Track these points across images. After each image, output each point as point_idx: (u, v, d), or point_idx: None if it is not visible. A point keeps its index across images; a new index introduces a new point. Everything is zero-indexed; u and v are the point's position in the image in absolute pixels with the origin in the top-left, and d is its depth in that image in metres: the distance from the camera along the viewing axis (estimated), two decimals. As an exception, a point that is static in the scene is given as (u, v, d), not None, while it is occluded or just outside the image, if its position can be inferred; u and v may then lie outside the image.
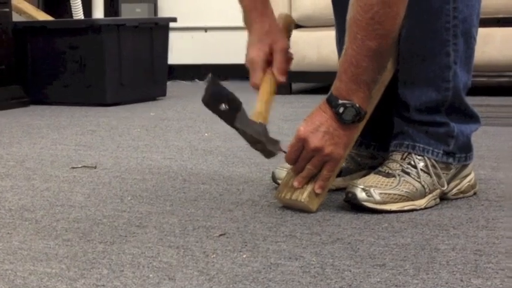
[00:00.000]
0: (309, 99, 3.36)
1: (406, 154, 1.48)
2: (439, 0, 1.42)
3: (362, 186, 1.41)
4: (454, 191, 1.50)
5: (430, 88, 1.46)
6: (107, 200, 1.56)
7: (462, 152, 1.50)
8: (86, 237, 1.29)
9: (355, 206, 1.41)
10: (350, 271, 1.09)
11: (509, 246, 1.19)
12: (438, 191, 1.46)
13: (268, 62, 1.54)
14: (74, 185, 1.71)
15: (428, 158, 1.47)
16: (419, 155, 1.47)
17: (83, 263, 1.15)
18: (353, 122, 1.39)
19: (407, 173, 1.45)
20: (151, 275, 1.08)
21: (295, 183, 1.43)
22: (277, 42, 1.53)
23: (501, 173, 1.74)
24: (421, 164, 1.46)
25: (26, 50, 3.50)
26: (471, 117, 1.52)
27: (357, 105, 1.37)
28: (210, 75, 1.45)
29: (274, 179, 1.61)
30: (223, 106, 1.43)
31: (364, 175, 1.49)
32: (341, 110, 1.37)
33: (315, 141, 1.39)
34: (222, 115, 1.46)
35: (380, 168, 1.48)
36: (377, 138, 1.59)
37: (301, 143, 1.41)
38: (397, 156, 1.48)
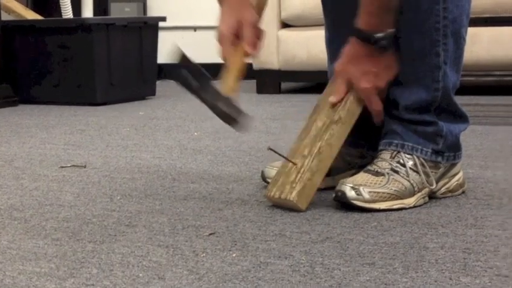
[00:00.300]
0: (298, 99, 3.36)
1: (395, 153, 1.48)
2: (429, 0, 1.42)
3: (351, 185, 1.41)
4: (443, 189, 1.51)
5: (420, 88, 1.47)
6: (96, 200, 1.55)
7: (451, 151, 1.51)
8: (76, 237, 1.28)
9: (344, 205, 1.42)
10: (339, 270, 1.09)
11: (497, 245, 1.20)
12: (427, 189, 1.47)
13: (238, 36, 1.54)
14: (63, 185, 1.70)
15: (418, 157, 1.48)
16: (408, 154, 1.48)
17: (72, 262, 1.15)
18: (391, 46, 1.42)
19: (397, 172, 1.46)
20: (140, 274, 1.08)
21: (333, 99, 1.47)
22: (246, 16, 1.52)
23: (489, 171, 1.75)
24: (410, 163, 1.47)
25: (15, 49, 3.48)
26: (460, 117, 1.53)
27: (392, 30, 1.41)
28: (179, 49, 1.46)
29: (263, 177, 1.62)
30: (193, 81, 1.44)
31: (354, 174, 1.50)
32: (383, 43, 1.41)
33: (369, 85, 1.44)
34: (191, 89, 1.47)
35: (369, 167, 1.48)
36: (366, 137, 1.59)
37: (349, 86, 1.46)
38: (386, 155, 1.49)
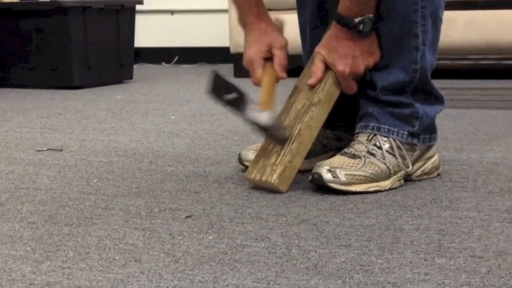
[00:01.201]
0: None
1: (371, 136, 1.49)
2: None
3: (328, 167, 1.42)
4: (418, 172, 1.52)
5: (399, 69, 1.47)
6: (72, 183, 1.55)
7: (426, 133, 1.52)
8: (52, 220, 1.28)
9: (320, 187, 1.42)
10: (316, 252, 1.10)
11: (472, 226, 1.21)
12: (403, 172, 1.48)
13: (266, 60, 1.55)
14: (40, 168, 1.69)
15: (394, 139, 1.48)
16: (384, 137, 1.48)
17: (48, 245, 1.14)
18: (371, 32, 1.43)
19: (373, 154, 1.46)
20: (117, 257, 1.08)
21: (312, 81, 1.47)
22: (276, 40, 1.55)
23: (464, 154, 1.76)
24: (386, 146, 1.48)
25: (-10, 32, 3.45)
26: (436, 99, 1.54)
27: (371, 15, 1.41)
28: (213, 70, 1.46)
29: (240, 160, 1.62)
30: (229, 96, 1.45)
31: (330, 157, 1.50)
32: (361, 27, 1.42)
33: (346, 68, 1.44)
34: (229, 105, 1.47)
35: (346, 150, 1.49)
36: (343, 119, 1.60)
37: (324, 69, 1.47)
38: (363, 137, 1.49)
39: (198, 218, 1.28)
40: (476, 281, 0.97)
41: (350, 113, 1.57)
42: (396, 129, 1.49)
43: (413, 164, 1.50)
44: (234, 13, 3.57)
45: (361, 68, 1.46)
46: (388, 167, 1.45)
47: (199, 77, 3.69)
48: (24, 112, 2.61)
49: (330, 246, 1.12)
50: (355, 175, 1.42)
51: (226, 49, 3.74)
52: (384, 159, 1.46)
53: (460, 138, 1.97)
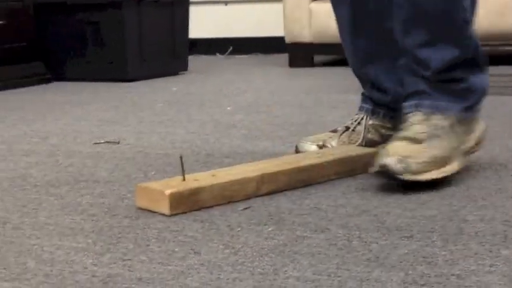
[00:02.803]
0: (330, 72, 3.34)
1: (429, 114, 1.41)
2: None
3: (396, 157, 1.33)
4: (473, 142, 1.46)
5: (451, 46, 1.41)
6: (130, 175, 1.55)
7: (478, 103, 1.46)
8: (111, 212, 1.29)
9: (390, 178, 1.34)
10: (377, 243, 1.08)
11: (538, 217, 1.18)
12: (465, 148, 1.42)
13: None
14: (98, 161, 1.71)
15: (451, 116, 1.42)
16: (441, 114, 1.41)
17: (108, 237, 1.15)
18: None
19: (436, 136, 1.38)
20: (176, 249, 1.08)
21: None
22: None
23: (528, 142, 1.72)
24: (445, 123, 1.40)
25: (47, 26, 3.50)
26: (486, 67, 1.47)
27: None
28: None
29: (297, 152, 1.60)
30: None
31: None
32: None
33: None
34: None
35: (405, 133, 1.40)
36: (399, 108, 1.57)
37: None
38: (419, 117, 1.41)
39: (256, 210, 1.27)
40: (545, 273, 0.94)
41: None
42: (452, 105, 1.42)
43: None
44: (288, 2, 3.55)
45: None
46: (453, 147, 1.39)
47: (254, 67, 3.69)
48: (81, 105, 2.64)
49: (391, 238, 1.10)
50: (424, 162, 1.34)
51: (281, 39, 3.72)
52: (448, 139, 1.39)
53: (523, 126, 1.93)
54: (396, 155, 1.33)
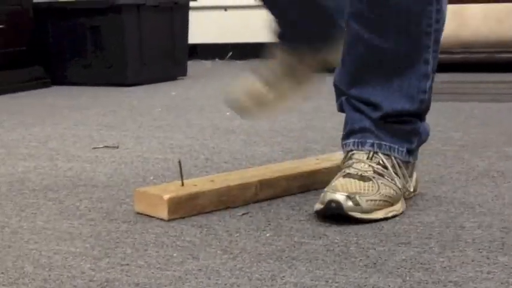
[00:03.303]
0: (329, 77, 3.34)
1: (371, 153, 1.32)
2: (422, 1, 1.27)
3: (346, 194, 1.23)
4: (411, 189, 1.37)
5: (405, 98, 1.32)
6: (129, 180, 1.56)
7: (418, 148, 1.39)
8: (110, 217, 1.29)
9: (333, 216, 1.23)
10: (375, 249, 1.08)
11: (535, 224, 1.18)
12: (407, 192, 1.34)
13: None
14: (97, 165, 1.71)
15: (394, 157, 1.32)
16: (386, 155, 1.32)
17: (106, 242, 1.15)
18: None
19: (381, 175, 1.29)
20: (175, 254, 1.08)
21: None
22: None
23: (526, 150, 1.72)
24: (389, 164, 1.31)
25: (46, 30, 3.50)
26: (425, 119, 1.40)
27: None
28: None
29: None
30: None
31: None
32: None
33: None
34: None
35: (348, 170, 1.30)
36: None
37: None
38: (362, 155, 1.32)
39: (254, 215, 1.27)
40: (542, 281, 0.94)
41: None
42: (397, 146, 1.34)
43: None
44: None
45: None
46: (398, 188, 1.31)
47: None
48: (80, 110, 2.65)
49: (389, 244, 1.10)
50: (375, 200, 1.25)
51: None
52: (393, 179, 1.31)
53: (521, 133, 1.93)
54: (346, 191, 1.24)
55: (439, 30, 1.30)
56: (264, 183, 1.37)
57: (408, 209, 1.28)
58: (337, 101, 1.42)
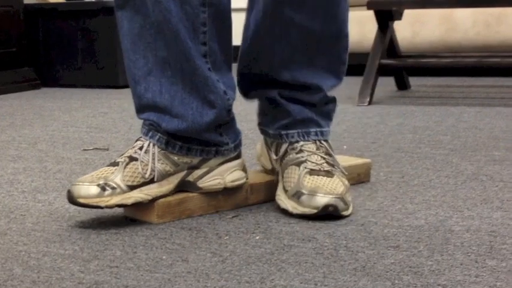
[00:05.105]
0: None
1: (318, 142, 1.35)
2: None
3: (335, 196, 1.25)
4: None
5: (333, 75, 1.38)
6: (119, 182, 1.55)
7: None
8: (99, 219, 1.29)
9: (322, 217, 1.25)
10: (364, 252, 1.08)
11: (523, 228, 1.18)
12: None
13: None
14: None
15: (327, 140, 1.37)
16: (325, 140, 1.36)
17: (96, 244, 1.15)
18: None
19: (332, 165, 1.33)
20: (164, 257, 1.08)
21: None
22: None
23: (515, 154, 1.73)
24: (330, 149, 1.35)
25: (37, 32, 3.50)
26: None
27: None
28: None
29: (72, 199, 1.26)
30: None
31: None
32: None
33: None
34: None
35: (309, 166, 1.31)
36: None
37: None
38: (311, 146, 1.34)
39: (244, 218, 1.27)
40: (529, 284, 0.95)
41: None
42: (328, 129, 1.37)
43: None
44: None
45: None
46: (341, 171, 1.33)
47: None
48: (70, 112, 2.64)
49: (378, 247, 1.10)
50: (348, 195, 1.29)
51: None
52: (338, 166, 1.34)
53: (511, 137, 1.94)
54: (335, 194, 1.25)
55: (348, 3, 1.36)
56: (254, 187, 1.37)
57: (397, 212, 1.28)
58: (249, 90, 1.53)
